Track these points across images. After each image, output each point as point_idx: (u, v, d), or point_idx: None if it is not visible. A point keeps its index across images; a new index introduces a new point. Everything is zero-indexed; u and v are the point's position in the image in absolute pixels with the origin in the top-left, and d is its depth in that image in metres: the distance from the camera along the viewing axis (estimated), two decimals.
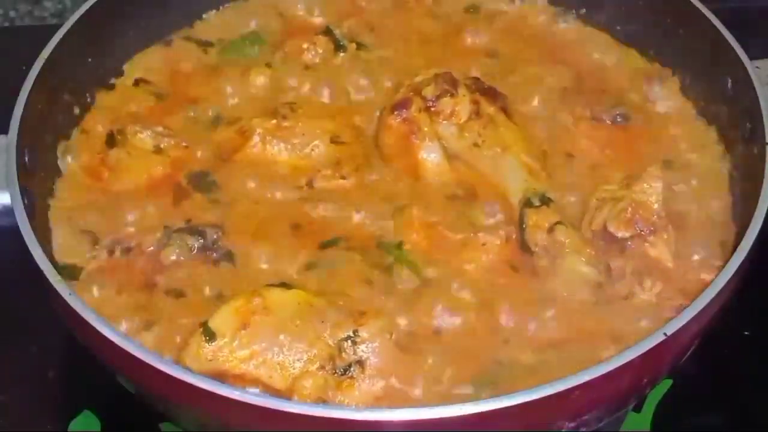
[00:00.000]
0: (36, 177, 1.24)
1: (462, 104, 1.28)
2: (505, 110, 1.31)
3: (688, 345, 1.08)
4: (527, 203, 1.23)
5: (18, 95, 1.23)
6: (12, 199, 1.13)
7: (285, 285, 1.11)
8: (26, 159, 1.20)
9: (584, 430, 1.08)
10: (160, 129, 1.33)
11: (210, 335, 1.06)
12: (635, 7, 1.46)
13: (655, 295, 1.15)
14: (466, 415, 0.92)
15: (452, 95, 1.28)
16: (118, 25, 1.42)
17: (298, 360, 1.06)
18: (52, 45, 1.30)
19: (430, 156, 1.27)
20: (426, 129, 1.27)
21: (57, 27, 1.33)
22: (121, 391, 1.11)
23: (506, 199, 1.25)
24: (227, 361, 1.05)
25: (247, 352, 1.06)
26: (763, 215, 1.11)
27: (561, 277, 1.17)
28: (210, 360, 1.05)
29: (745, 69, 1.26)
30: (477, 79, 1.33)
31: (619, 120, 1.36)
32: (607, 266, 1.18)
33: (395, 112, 1.29)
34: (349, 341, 1.07)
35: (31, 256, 1.08)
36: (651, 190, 1.19)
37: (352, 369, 1.06)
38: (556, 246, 1.18)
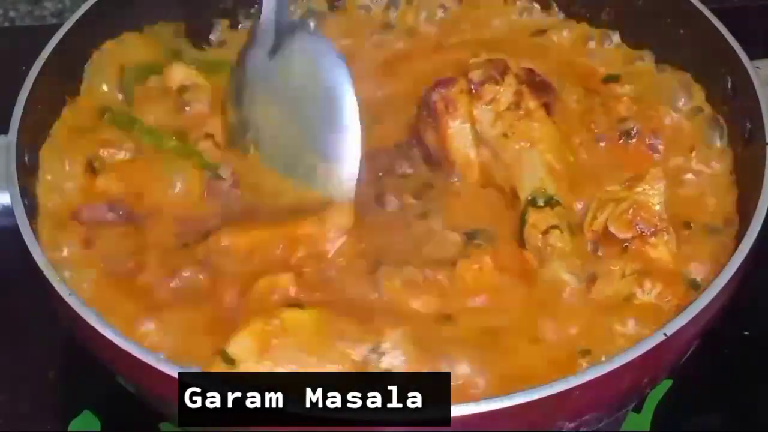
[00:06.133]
0: (36, 177, 1.24)
1: (504, 93, 1.25)
2: (548, 107, 1.27)
3: (688, 345, 1.08)
4: (532, 201, 1.22)
5: (18, 95, 1.23)
6: (12, 199, 1.13)
7: (297, 305, 1.08)
8: (26, 159, 1.20)
9: (584, 430, 1.08)
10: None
11: (229, 362, 1.03)
12: (635, 8, 1.46)
13: (654, 297, 1.15)
14: (466, 415, 0.92)
15: (497, 82, 1.26)
16: (118, 25, 1.42)
17: None
18: (52, 45, 1.29)
19: (458, 136, 1.26)
20: (462, 110, 1.26)
21: (57, 27, 1.32)
22: (121, 391, 1.11)
23: (514, 194, 1.24)
24: None
25: None
26: (763, 215, 1.11)
27: (544, 280, 1.17)
28: None
29: (745, 69, 1.26)
30: (531, 70, 1.29)
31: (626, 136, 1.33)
32: (592, 276, 1.17)
33: (437, 88, 1.27)
34: (374, 353, 1.05)
35: (31, 256, 1.08)
36: (653, 192, 1.19)
37: None
38: (547, 250, 1.18)
